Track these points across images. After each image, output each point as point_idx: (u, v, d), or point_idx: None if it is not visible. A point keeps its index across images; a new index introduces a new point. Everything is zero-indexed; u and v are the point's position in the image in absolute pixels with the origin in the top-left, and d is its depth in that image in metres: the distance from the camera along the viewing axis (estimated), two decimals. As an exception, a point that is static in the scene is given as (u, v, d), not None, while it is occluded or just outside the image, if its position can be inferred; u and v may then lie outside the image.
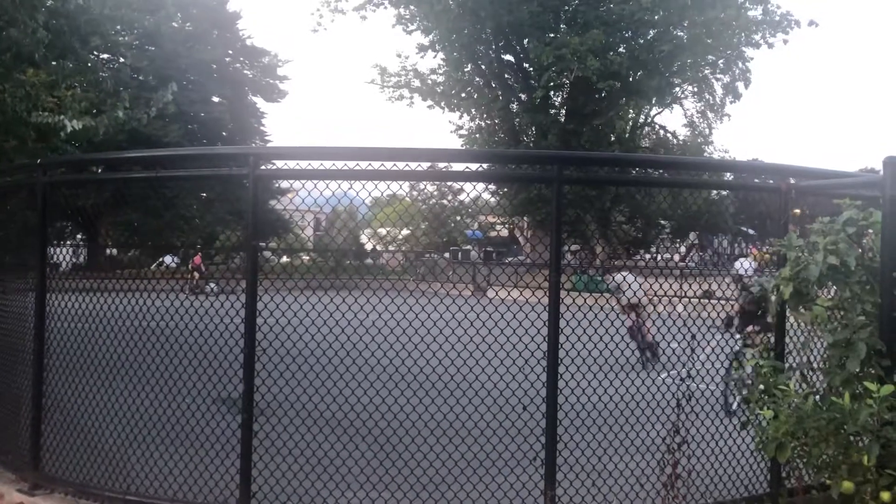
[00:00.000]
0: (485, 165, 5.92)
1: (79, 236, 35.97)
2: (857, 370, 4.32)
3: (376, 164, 4.90)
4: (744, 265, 12.94)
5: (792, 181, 5.43)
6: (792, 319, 4.97)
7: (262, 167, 5.11)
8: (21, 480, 5.80)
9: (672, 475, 4.99)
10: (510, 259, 37.61)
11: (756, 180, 6.64)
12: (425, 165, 5.18)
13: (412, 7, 36.83)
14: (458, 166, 5.38)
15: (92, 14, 12.78)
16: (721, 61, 38.31)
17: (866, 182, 5.37)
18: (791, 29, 35.30)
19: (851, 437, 4.14)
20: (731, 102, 41.81)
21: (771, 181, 5.55)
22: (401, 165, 4.92)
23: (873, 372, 4.31)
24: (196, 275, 21.06)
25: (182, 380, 5.38)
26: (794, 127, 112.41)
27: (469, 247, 44.79)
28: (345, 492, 5.29)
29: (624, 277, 13.57)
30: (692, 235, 45.19)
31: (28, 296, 6.00)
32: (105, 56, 28.93)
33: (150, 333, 5.61)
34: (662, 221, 44.28)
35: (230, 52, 43.99)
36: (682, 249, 44.76)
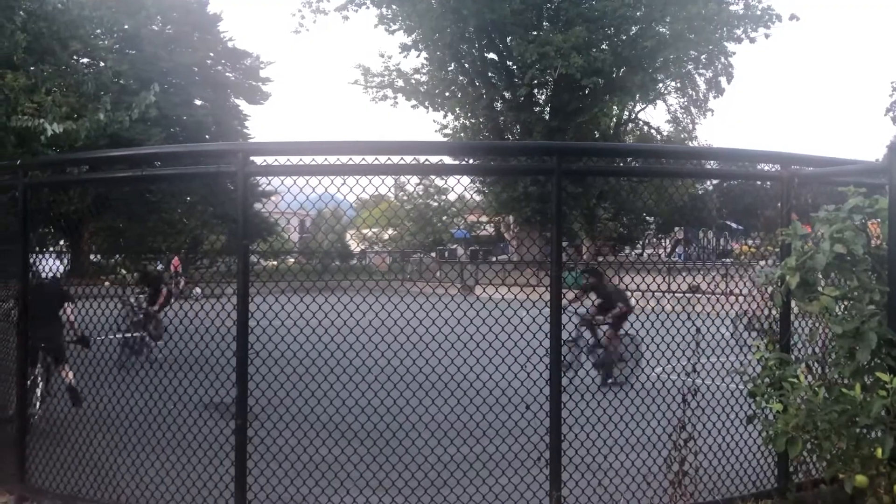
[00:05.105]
0: (482, 159, 5.77)
1: (62, 242, 35.54)
2: (867, 361, 4.21)
3: (370, 159, 4.75)
4: None
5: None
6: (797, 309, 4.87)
7: (251, 164, 4.94)
8: (7, 493, 5.62)
9: (679, 472, 4.87)
10: (499, 257, 37.47)
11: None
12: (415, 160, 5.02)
13: (394, 6, 36.64)
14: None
15: (71, 15, 12.55)
16: (703, 56, 38.40)
17: (870, 169, 5.27)
18: (772, 23, 35.46)
19: (863, 430, 4.04)
20: (714, 97, 42.19)
21: (774, 169, 5.43)
22: (395, 159, 4.77)
23: (881, 363, 4.21)
24: (182, 280, 20.86)
25: (173, 385, 5.21)
26: (777, 121, 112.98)
27: (456, 246, 44.65)
28: (344, 497, 5.14)
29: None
30: (677, 230, 45.29)
31: (10, 303, 5.82)
32: (85, 60, 28.60)
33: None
34: (648, 217, 44.38)
35: (212, 54, 43.59)
36: (668, 244, 44.82)
